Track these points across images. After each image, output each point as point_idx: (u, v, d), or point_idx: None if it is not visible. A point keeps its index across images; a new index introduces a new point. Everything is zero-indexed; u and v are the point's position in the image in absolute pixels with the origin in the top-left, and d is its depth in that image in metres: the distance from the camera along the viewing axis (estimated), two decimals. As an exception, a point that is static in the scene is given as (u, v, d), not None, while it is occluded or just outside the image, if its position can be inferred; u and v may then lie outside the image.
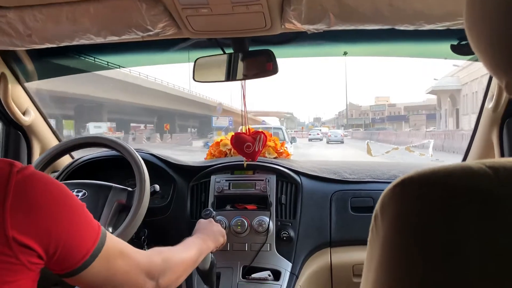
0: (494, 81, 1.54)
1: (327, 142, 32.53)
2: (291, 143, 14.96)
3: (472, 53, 1.55)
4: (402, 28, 1.27)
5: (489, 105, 1.58)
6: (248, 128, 1.75)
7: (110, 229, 1.44)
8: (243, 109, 1.73)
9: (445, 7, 1.15)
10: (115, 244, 0.89)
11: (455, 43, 1.47)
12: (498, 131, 1.64)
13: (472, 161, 0.47)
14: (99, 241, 0.83)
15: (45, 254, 0.76)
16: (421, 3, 1.16)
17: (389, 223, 0.47)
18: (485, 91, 1.64)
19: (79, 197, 1.47)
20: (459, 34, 1.43)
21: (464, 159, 1.92)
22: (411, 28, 1.26)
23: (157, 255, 1.02)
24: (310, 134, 40.82)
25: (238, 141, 1.72)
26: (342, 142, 32.65)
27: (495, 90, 1.52)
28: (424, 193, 0.45)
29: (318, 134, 40.76)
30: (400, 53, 1.75)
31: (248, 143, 1.70)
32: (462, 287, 0.42)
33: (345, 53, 1.82)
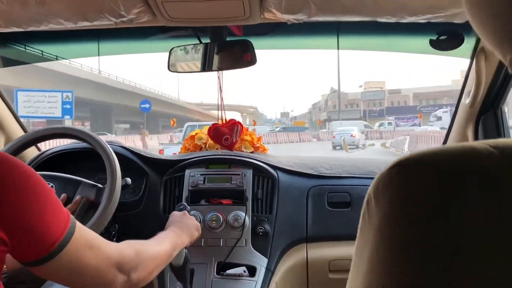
0: (471, 77, 1.54)
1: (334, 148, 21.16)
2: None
3: (449, 49, 1.55)
4: (383, 20, 1.26)
5: (466, 101, 1.59)
6: (224, 119, 1.71)
7: None
8: (219, 101, 1.69)
9: (427, 0, 1.14)
10: (85, 234, 0.84)
11: (434, 37, 1.47)
12: (474, 127, 1.65)
13: (477, 141, 0.44)
14: (68, 230, 0.79)
15: (10, 240, 0.71)
16: None
17: (386, 207, 0.44)
18: (462, 87, 1.65)
19: None
20: (438, 29, 1.43)
21: (444, 142, 1.93)
22: (392, 20, 1.25)
23: (129, 248, 0.97)
24: (334, 137, 22.92)
25: (217, 133, 1.68)
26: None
27: (472, 87, 1.53)
28: (422, 176, 0.43)
29: (353, 135, 22.51)
30: (379, 47, 1.74)
31: (227, 135, 1.66)
32: (466, 276, 0.39)
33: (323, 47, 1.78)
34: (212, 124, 1.73)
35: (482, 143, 0.43)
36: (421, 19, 1.23)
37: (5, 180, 0.72)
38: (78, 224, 0.83)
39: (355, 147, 18.71)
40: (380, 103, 54.89)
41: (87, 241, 0.84)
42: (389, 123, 37.71)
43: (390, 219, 0.43)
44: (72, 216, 0.82)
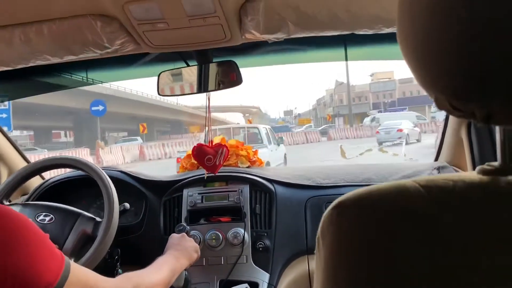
0: None
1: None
2: (278, 145, 12.41)
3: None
4: (361, 32, 1.27)
5: None
6: (211, 140, 1.73)
7: (73, 259, 1.40)
8: (207, 122, 1.71)
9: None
10: (81, 276, 0.86)
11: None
12: (467, 129, 1.65)
13: (408, 180, 0.46)
14: (62, 274, 0.80)
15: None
16: (377, 8, 1.15)
17: (329, 246, 0.46)
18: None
19: (45, 222, 1.43)
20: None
21: (436, 159, 1.94)
22: (370, 32, 1.26)
23: (127, 282, 0.99)
24: (378, 132, 20.94)
25: (200, 153, 1.70)
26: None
27: None
28: (360, 216, 0.45)
29: (401, 130, 20.06)
30: (365, 56, 1.75)
31: (209, 155, 1.68)
32: None
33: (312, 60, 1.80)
34: (197, 144, 1.74)
35: (413, 182, 0.45)
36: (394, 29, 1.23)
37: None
38: (73, 265, 0.85)
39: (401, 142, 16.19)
40: (391, 94, 49.87)
41: (83, 282, 0.86)
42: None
43: (333, 257, 0.45)
44: (66, 259, 0.84)
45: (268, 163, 10.09)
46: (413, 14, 0.43)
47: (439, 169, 1.79)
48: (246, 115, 72.71)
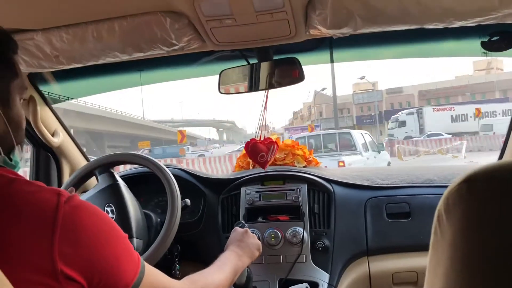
0: None
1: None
2: (378, 152, 11.03)
3: (503, 49, 1.50)
4: (431, 27, 1.24)
5: None
6: (264, 136, 1.73)
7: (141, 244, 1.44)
8: (262, 118, 1.71)
9: (477, 2, 1.11)
10: (154, 276, 0.88)
11: (486, 39, 1.43)
12: None
13: None
14: (139, 274, 0.83)
15: (88, 285, 0.75)
16: (451, 0, 1.12)
17: (458, 222, 0.44)
18: None
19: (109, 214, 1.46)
20: (489, 30, 1.39)
21: (500, 157, 1.86)
22: (440, 26, 1.23)
23: (192, 284, 1.01)
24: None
25: (254, 150, 1.70)
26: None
27: None
28: (494, 190, 0.42)
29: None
30: (429, 53, 1.71)
31: (263, 153, 1.68)
32: None
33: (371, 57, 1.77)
34: (251, 139, 1.74)
35: None
36: (470, 23, 1.19)
37: (87, 229, 0.76)
38: (147, 266, 0.87)
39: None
40: (377, 106, 39.38)
41: (154, 284, 0.88)
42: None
43: (464, 234, 0.43)
44: (142, 260, 0.86)
45: None
46: None
47: None
48: (220, 130, 69.11)
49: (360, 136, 11.39)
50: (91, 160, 1.81)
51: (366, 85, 44.19)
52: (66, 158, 1.99)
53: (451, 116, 31.61)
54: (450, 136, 22.66)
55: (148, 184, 1.78)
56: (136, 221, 1.45)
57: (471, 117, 30.26)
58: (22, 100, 0.88)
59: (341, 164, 8.86)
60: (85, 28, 1.27)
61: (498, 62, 47.34)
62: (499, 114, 30.95)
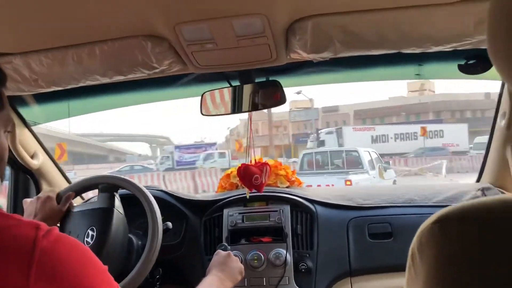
0: (505, 98, 1.52)
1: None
2: (385, 170, 10.73)
3: (479, 73, 1.53)
4: (408, 51, 1.27)
5: (502, 122, 1.56)
6: (255, 159, 1.73)
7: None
8: (249, 140, 1.71)
9: (453, 29, 1.14)
10: None
11: (462, 62, 1.46)
12: None
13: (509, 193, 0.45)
14: None
15: None
16: (428, 27, 1.15)
17: (431, 261, 0.45)
18: (496, 108, 1.62)
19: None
20: (465, 54, 1.42)
21: (478, 180, 1.89)
22: (417, 51, 1.26)
23: None
24: None
25: (246, 173, 1.69)
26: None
27: (507, 107, 1.50)
28: (465, 231, 0.43)
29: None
30: (406, 76, 1.74)
31: (257, 175, 1.67)
32: None
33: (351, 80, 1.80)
34: (242, 164, 1.74)
35: None
36: (446, 48, 1.23)
37: (64, 264, 0.74)
38: None
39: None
40: (312, 124, 37.63)
41: None
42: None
43: (437, 272, 0.44)
44: None
45: None
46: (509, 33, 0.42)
47: (483, 190, 1.75)
48: (153, 145, 66.16)
49: (367, 154, 11.31)
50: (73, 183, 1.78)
51: (303, 103, 42.33)
52: (46, 181, 1.96)
53: (371, 136, 29.69)
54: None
55: (130, 205, 1.76)
56: (113, 250, 1.43)
57: (391, 138, 29.65)
58: (6, 132, 0.86)
59: (348, 183, 8.86)
60: (65, 52, 1.26)
61: (431, 84, 47.17)
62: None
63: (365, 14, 1.14)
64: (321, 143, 27.44)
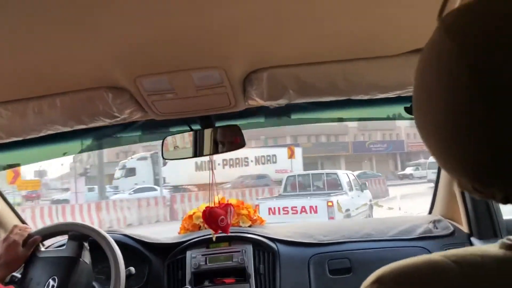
0: None
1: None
2: (362, 191, 11.72)
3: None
4: (357, 98, 1.36)
5: None
6: (219, 201, 1.76)
7: None
8: (211, 183, 1.75)
9: (396, 78, 1.24)
10: None
11: (408, 105, 1.57)
12: None
13: (437, 254, 0.50)
14: None
15: None
16: (374, 76, 1.24)
17: None
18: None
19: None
20: (411, 98, 1.52)
21: (430, 211, 1.99)
22: (365, 97, 1.35)
23: None
24: None
25: (212, 215, 1.71)
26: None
27: None
28: None
29: None
30: (356, 116, 1.84)
31: (222, 216, 1.70)
32: None
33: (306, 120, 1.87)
34: (207, 207, 1.76)
35: (444, 258, 0.48)
36: (391, 95, 1.33)
37: None
38: None
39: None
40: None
41: None
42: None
43: None
44: None
45: (348, 211, 10.12)
46: (428, 100, 0.47)
47: (434, 222, 1.84)
48: None
49: (345, 176, 12.05)
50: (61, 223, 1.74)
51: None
52: (2, 226, 1.90)
53: (196, 163, 22.53)
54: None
55: (92, 250, 1.74)
56: None
57: (252, 160, 24.62)
58: None
59: (329, 203, 9.47)
60: (26, 104, 1.28)
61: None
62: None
63: (316, 66, 1.22)
64: (130, 171, 23.25)
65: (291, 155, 22.82)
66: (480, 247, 0.50)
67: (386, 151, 35.91)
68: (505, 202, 0.45)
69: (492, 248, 0.50)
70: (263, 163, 25.09)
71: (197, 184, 19.89)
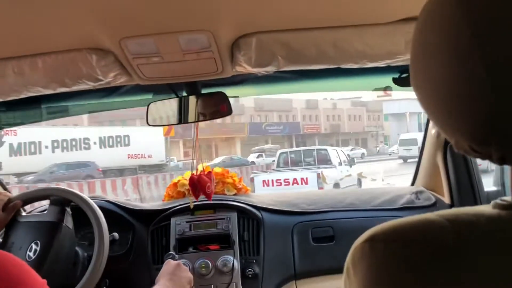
0: None
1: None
2: (350, 166, 13.25)
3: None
4: (347, 66, 1.35)
5: (432, 131, 1.68)
6: (203, 169, 1.75)
7: None
8: (195, 152, 1.73)
9: (385, 47, 1.23)
10: None
11: (396, 76, 1.57)
12: (443, 155, 1.74)
13: (432, 214, 0.50)
14: None
15: None
16: (363, 44, 1.23)
17: (362, 277, 0.49)
18: (427, 119, 1.74)
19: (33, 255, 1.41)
20: (399, 68, 1.52)
21: (413, 183, 2.02)
22: (355, 66, 1.34)
23: None
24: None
25: (200, 182, 1.70)
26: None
27: None
28: (391, 250, 0.48)
29: None
30: (346, 87, 1.83)
31: (208, 183, 1.70)
32: None
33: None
34: (192, 174, 1.74)
35: (439, 217, 0.48)
36: (381, 64, 1.32)
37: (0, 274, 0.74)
38: None
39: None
40: None
41: None
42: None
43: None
44: None
45: (337, 185, 10.89)
46: (428, 61, 0.47)
47: (417, 193, 1.87)
48: None
49: (334, 152, 13.46)
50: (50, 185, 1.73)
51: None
52: None
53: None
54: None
55: (75, 216, 1.73)
56: (57, 265, 1.41)
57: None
58: None
59: (319, 175, 10.36)
60: (5, 63, 1.23)
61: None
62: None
63: (306, 32, 1.20)
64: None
65: (167, 132, 19.53)
66: (474, 208, 0.51)
67: (282, 133, 35.24)
68: (502, 162, 0.45)
69: (486, 208, 0.50)
70: (111, 146, 20.45)
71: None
